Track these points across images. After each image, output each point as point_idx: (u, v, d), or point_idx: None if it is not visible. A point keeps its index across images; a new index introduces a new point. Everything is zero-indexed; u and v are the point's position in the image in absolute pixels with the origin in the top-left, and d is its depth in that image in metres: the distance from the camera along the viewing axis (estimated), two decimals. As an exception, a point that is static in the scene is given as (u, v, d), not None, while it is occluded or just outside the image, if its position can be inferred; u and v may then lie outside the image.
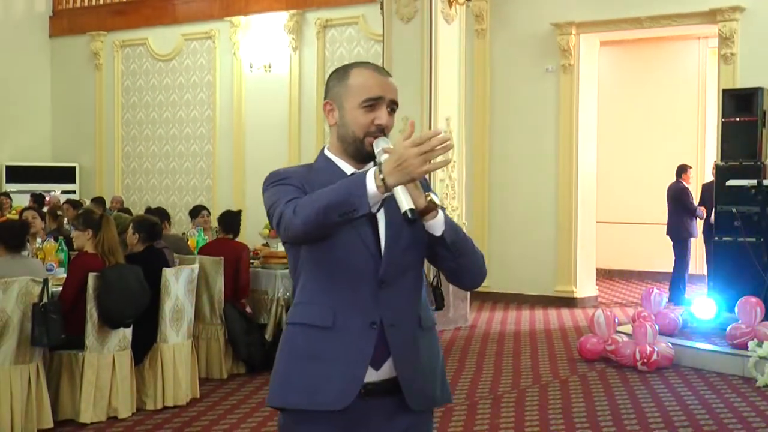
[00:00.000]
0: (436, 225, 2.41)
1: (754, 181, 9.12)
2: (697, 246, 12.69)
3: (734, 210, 9.32)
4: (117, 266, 6.25)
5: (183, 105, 15.26)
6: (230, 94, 14.64)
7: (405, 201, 2.27)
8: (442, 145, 2.21)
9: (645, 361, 7.95)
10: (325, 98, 2.56)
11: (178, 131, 15.32)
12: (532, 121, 12.26)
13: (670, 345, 8.25)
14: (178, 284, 6.70)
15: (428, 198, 2.37)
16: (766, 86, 10.01)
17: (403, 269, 2.49)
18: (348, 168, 2.51)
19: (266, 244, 9.58)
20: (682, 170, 11.76)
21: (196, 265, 7.12)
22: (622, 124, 14.70)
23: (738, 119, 9.89)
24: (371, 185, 2.23)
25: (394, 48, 10.13)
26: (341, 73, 2.55)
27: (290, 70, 14.08)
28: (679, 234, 11.61)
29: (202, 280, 7.41)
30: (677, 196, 11.59)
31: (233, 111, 14.61)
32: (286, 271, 8.18)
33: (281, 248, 8.97)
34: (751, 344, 7.74)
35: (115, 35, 15.82)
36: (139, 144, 15.75)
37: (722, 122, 10.11)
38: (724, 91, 10.33)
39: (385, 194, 2.24)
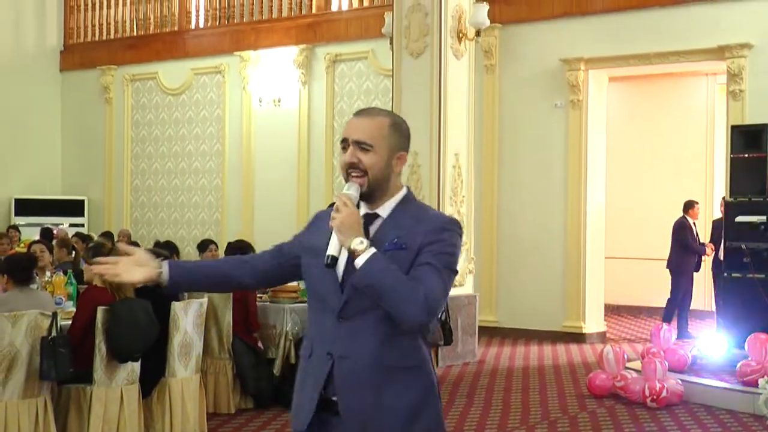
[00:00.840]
0: (356, 266, 2.62)
1: (763, 217, 9.13)
2: (705, 282, 12.69)
3: (743, 246, 9.32)
4: (126, 300, 6.26)
5: (192, 139, 15.33)
6: (239, 129, 14.71)
7: (331, 247, 2.65)
8: (341, 201, 2.66)
9: (654, 397, 7.92)
10: None
11: (187, 165, 15.39)
12: (541, 156, 12.30)
13: (680, 381, 8.22)
14: (186, 318, 6.71)
15: (350, 242, 2.61)
16: (774, 123, 10.05)
17: (362, 308, 2.68)
18: (362, 209, 2.80)
19: (275, 279, 9.57)
20: (688, 206, 11.94)
21: (205, 299, 7.13)
22: (630, 159, 14.73)
23: (747, 155, 9.89)
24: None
25: (403, 83, 10.20)
26: None
27: (299, 104, 14.16)
28: (673, 267, 11.90)
29: (210, 314, 7.42)
30: (676, 231, 11.90)
31: (242, 145, 14.68)
32: (295, 305, 8.20)
33: (290, 282, 9.00)
34: (761, 381, 7.69)
35: (125, 69, 15.94)
36: (148, 178, 15.82)
37: (731, 158, 10.12)
38: (732, 127, 10.35)
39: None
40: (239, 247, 8.14)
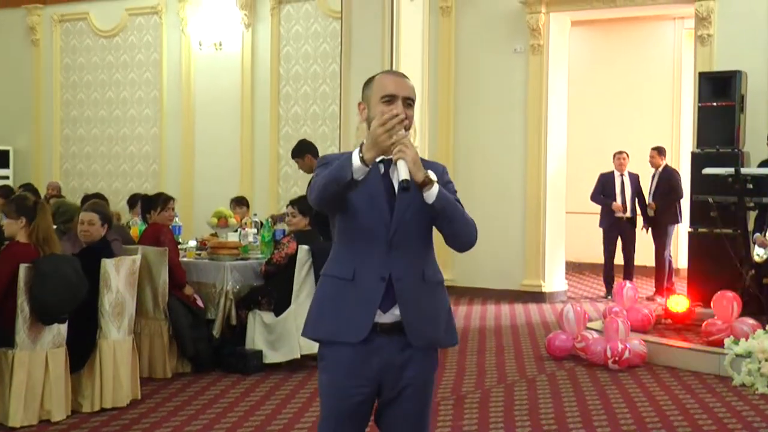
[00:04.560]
0: (430, 195, 3.26)
1: (731, 169, 9.15)
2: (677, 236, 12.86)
3: (710, 200, 9.36)
4: (52, 256, 6.12)
5: (127, 85, 15.04)
6: (178, 74, 14.45)
7: (403, 173, 3.16)
8: (397, 121, 3.15)
9: (616, 359, 7.95)
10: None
11: (121, 113, 15.11)
12: (499, 104, 12.24)
13: (643, 342, 8.26)
14: (118, 276, 6.59)
15: (425, 174, 3.23)
16: (744, 69, 10.06)
17: (409, 234, 3.37)
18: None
19: (215, 234, 9.44)
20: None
21: (138, 256, 7.01)
22: (593, 108, 14.74)
23: (715, 104, 9.93)
24: (356, 160, 3.14)
25: (353, 26, 10.02)
26: (368, 80, 3.46)
27: (243, 48, 13.93)
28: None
29: (144, 271, 7.28)
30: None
31: (181, 92, 14.43)
32: (236, 262, 8.11)
33: (231, 238, 8.89)
34: (727, 341, 7.78)
35: (53, 9, 15.55)
36: (80, 126, 15.51)
37: (698, 107, 10.16)
38: (700, 74, 10.37)
39: (369, 166, 3.15)
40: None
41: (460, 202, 3.39)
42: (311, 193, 3.34)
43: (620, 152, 12.28)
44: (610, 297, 12.05)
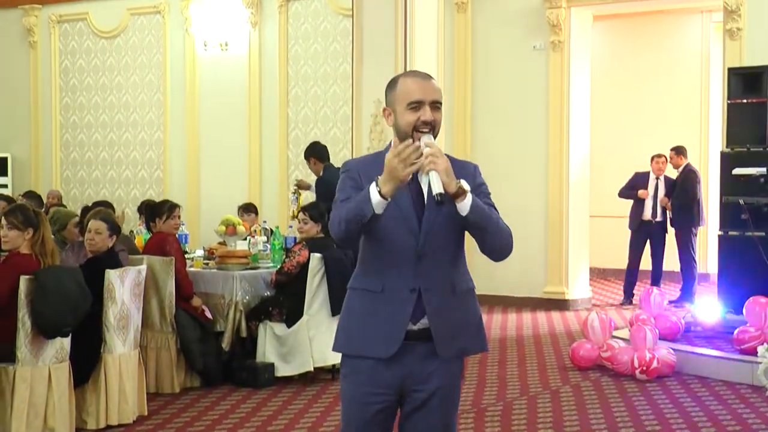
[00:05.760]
0: (464, 207, 3.32)
1: (763, 169, 9.15)
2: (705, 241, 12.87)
3: (742, 201, 9.34)
4: (53, 268, 6.16)
5: (129, 88, 15.11)
6: (182, 76, 14.51)
7: (437, 186, 3.24)
8: (414, 152, 3.22)
9: (644, 368, 7.96)
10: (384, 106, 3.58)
11: (124, 117, 15.18)
12: (519, 104, 12.25)
13: (672, 351, 8.26)
14: (123, 287, 6.63)
15: (458, 184, 3.29)
16: (775, 64, 10.05)
17: (438, 244, 3.42)
18: None
19: (223, 243, 9.47)
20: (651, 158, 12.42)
21: (144, 266, 7.05)
22: (617, 107, 14.73)
23: (745, 101, 9.90)
24: (374, 196, 3.24)
25: (364, 24, 10.06)
26: (392, 83, 3.50)
27: (249, 48, 13.98)
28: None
29: (150, 283, 7.33)
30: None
31: (186, 95, 14.49)
32: (245, 272, 8.14)
33: (240, 246, 8.93)
34: (760, 349, 7.75)
35: (51, 9, 15.61)
36: (80, 132, 15.59)
37: (728, 104, 10.13)
38: (729, 69, 10.34)
39: (389, 199, 3.24)
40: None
41: (493, 205, 3.52)
42: (332, 228, 3.41)
43: (659, 155, 12.27)
44: (628, 303, 12.09)
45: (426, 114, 3.38)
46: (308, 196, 10.33)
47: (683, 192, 11.93)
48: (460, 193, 3.30)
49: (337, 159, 13.22)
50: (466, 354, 3.60)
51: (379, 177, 3.26)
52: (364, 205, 3.25)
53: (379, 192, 3.23)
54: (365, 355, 3.45)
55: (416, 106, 3.40)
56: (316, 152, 10.21)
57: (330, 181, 8.97)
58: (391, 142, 3.52)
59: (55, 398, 6.13)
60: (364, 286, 3.48)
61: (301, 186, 10.62)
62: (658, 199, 12.12)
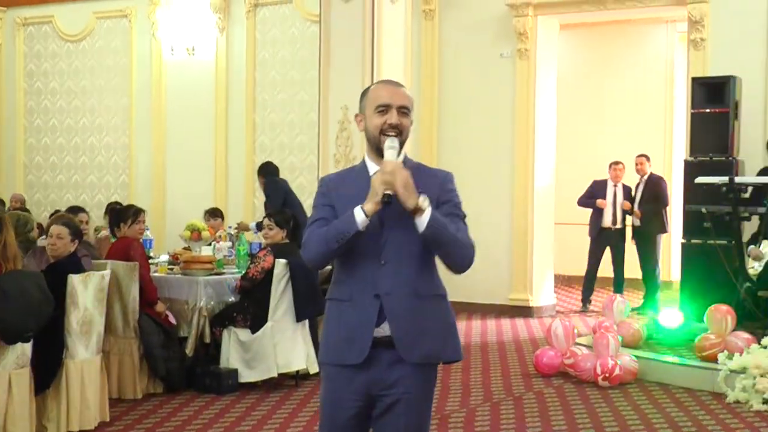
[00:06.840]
0: (420, 223, 3.40)
1: (725, 178, 9.24)
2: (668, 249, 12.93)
3: (704, 210, 9.44)
4: (14, 272, 6.09)
5: (95, 92, 15.05)
6: (149, 81, 14.48)
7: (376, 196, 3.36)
8: (390, 171, 3.34)
9: (607, 375, 8.00)
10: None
11: (89, 122, 15.11)
12: (486, 111, 12.30)
13: (634, 358, 8.32)
14: (86, 292, 6.59)
15: (415, 201, 3.36)
16: (738, 74, 10.15)
17: (402, 253, 3.48)
18: (372, 168, 3.54)
19: (187, 248, 9.45)
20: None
21: (108, 271, 7.02)
22: (582, 115, 14.83)
23: (708, 110, 10.01)
24: (359, 215, 3.37)
25: (332, 30, 10.07)
26: (365, 91, 3.63)
27: (216, 53, 13.98)
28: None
29: (113, 288, 7.29)
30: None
31: (152, 99, 14.45)
32: (210, 278, 8.12)
33: (205, 252, 8.91)
34: (721, 357, 7.83)
35: (16, 11, 15.56)
36: (45, 135, 15.50)
37: (691, 113, 10.23)
38: (693, 79, 10.45)
39: (369, 217, 3.37)
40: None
41: (459, 214, 3.61)
42: (307, 250, 3.52)
43: (617, 162, 12.36)
44: (585, 310, 12.19)
45: (392, 117, 3.49)
46: (249, 236, 10.42)
47: (656, 198, 12.01)
48: (417, 210, 3.38)
49: (303, 165, 13.26)
50: (435, 360, 3.61)
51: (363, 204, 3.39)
52: (347, 224, 3.39)
53: (363, 210, 3.37)
54: (337, 363, 3.55)
55: (384, 109, 3.51)
56: (263, 170, 11.14)
57: (265, 191, 10.95)
58: (364, 160, 3.62)
59: (16, 405, 6.04)
60: (336, 296, 3.59)
61: (240, 227, 10.72)
62: (618, 206, 12.19)
